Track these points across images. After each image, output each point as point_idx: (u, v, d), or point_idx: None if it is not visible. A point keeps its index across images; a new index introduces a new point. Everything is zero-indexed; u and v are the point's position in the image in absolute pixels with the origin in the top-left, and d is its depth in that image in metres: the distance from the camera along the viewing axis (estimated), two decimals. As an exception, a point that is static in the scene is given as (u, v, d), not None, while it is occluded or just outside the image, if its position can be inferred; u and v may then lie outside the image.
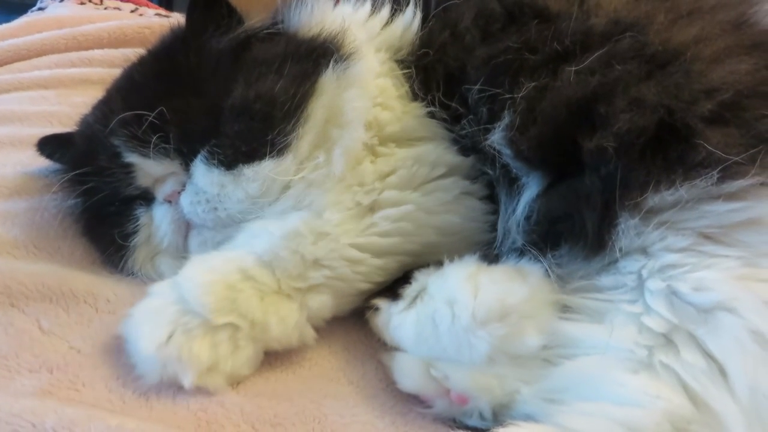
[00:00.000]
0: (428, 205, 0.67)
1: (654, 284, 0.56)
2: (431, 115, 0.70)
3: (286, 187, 0.67)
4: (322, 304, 0.64)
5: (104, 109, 0.71)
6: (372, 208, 0.66)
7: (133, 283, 0.70)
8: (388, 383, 0.63)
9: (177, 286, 0.60)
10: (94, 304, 0.65)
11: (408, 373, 0.61)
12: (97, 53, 1.12)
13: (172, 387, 0.57)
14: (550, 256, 0.62)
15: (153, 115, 0.65)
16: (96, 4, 1.44)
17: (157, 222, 0.71)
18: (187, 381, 0.56)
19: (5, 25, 1.21)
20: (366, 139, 0.68)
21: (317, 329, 0.65)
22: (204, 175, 0.67)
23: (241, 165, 0.65)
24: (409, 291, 0.63)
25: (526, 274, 0.61)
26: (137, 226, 0.71)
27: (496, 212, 0.69)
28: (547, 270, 0.61)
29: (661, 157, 0.57)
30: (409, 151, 0.69)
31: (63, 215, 0.75)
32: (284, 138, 0.65)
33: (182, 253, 0.71)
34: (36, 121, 0.93)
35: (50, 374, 0.56)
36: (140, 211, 0.72)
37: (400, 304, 0.63)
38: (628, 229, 0.58)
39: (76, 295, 0.65)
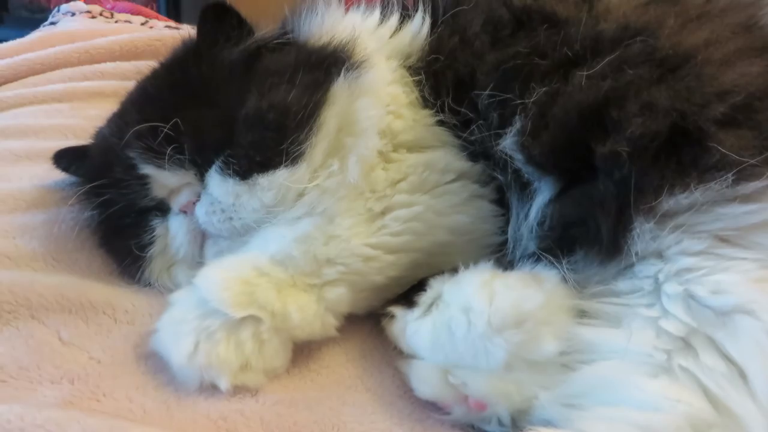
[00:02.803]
0: (438, 206, 0.68)
1: (671, 288, 0.56)
2: (441, 123, 0.71)
3: (300, 195, 0.67)
4: (340, 296, 0.64)
5: (119, 122, 0.72)
6: (383, 213, 0.67)
7: (150, 294, 0.70)
8: (406, 390, 0.63)
9: (194, 289, 0.61)
10: (113, 315, 0.66)
11: (425, 380, 0.61)
12: (109, 66, 1.13)
13: (192, 395, 0.58)
14: (564, 261, 0.62)
15: (168, 126, 0.65)
16: (107, 17, 1.46)
17: (173, 232, 0.71)
18: (223, 385, 0.58)
19: (18, 41, 1.23)
20: (380, 146, 0.69)
21: (333, 339, 0.66)
22: (219, 185, 0.67)
23: (255, 174, 0.66)
24: (424, 298, 0.63)
25: (542, 280, 0.62)
26: (153, 236, 0.72)
27: (506, 216, 0.70)
28: (562, 275, 0.61)
29: (675, 161, 0.57)
30: (420, 157, 0.70)
31: (80, 227, 0.76)
32: (298, 147, 0.66)
33: (198, 263, 0.71)
34: (51, 134, 0.94)
35: (71, 385, 0.57)
36: (156, 222, 0.72)
37: (416, 312, 0.63)
38: (643, 233, 0.58)
39: (95, 306, 0.66)
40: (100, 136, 0.76)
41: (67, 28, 1.32)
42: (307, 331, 0.63)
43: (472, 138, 0.69)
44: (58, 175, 0.82)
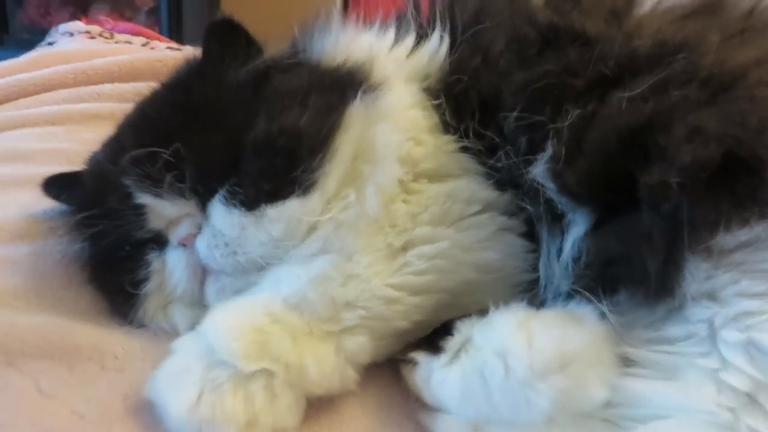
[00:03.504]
0: (464, 241, 0.62)
1: (729, 335, 0.50)
2: (464, 149, 0.65)
3: (313, 228, 0.61)
4: (360, 345, 0.58)
5: (115, 147, 0.66)
6: (404, 248, 0.61)
7: (143, 336, 0.63)
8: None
9: (200, 337, 0.55)
10: (100, 361, 0.59)
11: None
12: (107, 87, 1.08)
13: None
14: (606, 303, 0.56)
15: (168, 152, 0.60)
16: (106, 38, 1.41)
17: (171, 267, 0.65)
18: None
19: (11, 61, 1.17)
20: (400, 175, 0.63)
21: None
22: (223, 216, 0.61)
23: (263, 205, 0.60)
24: (451, 344, 0.57)
25: (581, 318, 0.55)
26: (149, 272, 0.65)
27: (536, 251, 0.63)
28: (604, 315, 0.55)
29: (730, 192, 0.51)
30: (442, 187, 0.64)
31: (68, 261, 0.70)
32: (311, 175, 0.60)
33: (198, 301, 0.65)
34: (43, 159, 0.88)
35: (51, 446, 0.50)
36: (152, 256, 0.66)
37: (443, 358, 0.56)
38: (697, 273, 0.52)
39: (80, 352, 0.59)
40: (94, 161, 0.70)
41: (65, 49, 1.27)
42: (325, 386, 0.56)
43: (499, 165, 0.63)
44: (48, 204, 0.76)
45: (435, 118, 0.67)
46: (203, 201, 0.63)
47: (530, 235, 0.64)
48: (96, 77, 1.10)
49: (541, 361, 0.51)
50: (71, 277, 0.69)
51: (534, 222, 0.63)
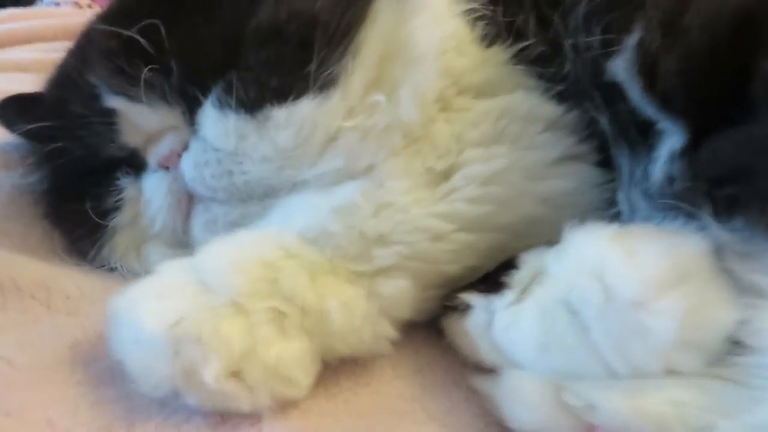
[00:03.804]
0: (524, 163, 0.48)
1: None
2: (518, 59, 0.53)
3: (332, 139, 0.48)
4: (400, 291, 0.44)
5: (82, 42, 0.53)
6: (448, 173, 0.48)
7: (106, 278, 0.49)
8: (489, 421, 0.41)
9: (193, 268, 0.41)
10: (46, 301, 0.44)
11: (526, 403, 0.39)
12: (91, 45, 0.95)
13: (155, 418, 0.36)
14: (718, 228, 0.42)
15: (141, 34, 0.46)
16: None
17: (148, 195, 0.51)
18: (210, 372, 0.36)
19: (-11, 14, 1.06)
20: (440, 87, 0.50)
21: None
22: (216, 123, 0.48)
23: (269, 105, 0.46)
24: (518, 277, 0.42)
25: (684, 235, 0.41)
26: (120, 199, 0.51)
27: (613, 181, 0.50)
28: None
29: None
30: (492, 103, 0.51)
31: (18, 194, 0.55)
32: (329, 70, 0.47)
33: (180, 239, 0.51)
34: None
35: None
36: (125, 181, 0.52)
37: (508, 296, 0.42)
38: None
39: (19, 287, 0.44)
40: (57, 68, 0.57)
41: (49, 8, 1.16)
42: (352, 343, 0.42)
43: (564, 71, 0.50)
44: (2, 137, 0.62)
45: (480, 29, 0.55)
46: (191, 108, 0.49)
47: (604, 164, 0.51)
48: (78, 33, 0.97)
49: (654, 274, 0.37)
50: (21, 210, 0.54)
51: (609, 145, 0.50)
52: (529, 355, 0.40)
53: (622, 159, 0.49)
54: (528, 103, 0.50)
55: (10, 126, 0.61)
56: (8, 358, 0.38)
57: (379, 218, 0.44)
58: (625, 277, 0.37)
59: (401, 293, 0.44)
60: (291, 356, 0.39)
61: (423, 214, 0.45)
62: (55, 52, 0.92)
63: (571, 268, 0.40)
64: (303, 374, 0.40)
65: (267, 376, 0.38)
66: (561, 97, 0.51)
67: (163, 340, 0.36)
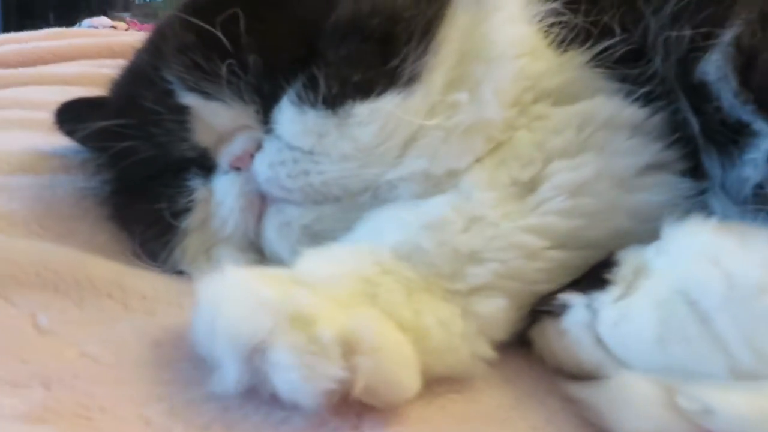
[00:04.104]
0: (612, 170, 0.47)
1: None
2: (597, 62, 0.52)
3: (413, 139, 0.47)
4: (496, 310, 0.42)
5: (155, 39, 0.53)
6: (534, 186, 0.46)
7: (178, 280, 0.47)
8: (591, 430, 0.39)
9: (290, 279, 0.39)
10: (123, 300, 0.42)
11: (635, 407, 0.37)
12: (133, 62, 0.96)
13: (252, 418, 0.34)
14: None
15: (222, 30, 0.46)
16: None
17: (220, 197, 0.50)
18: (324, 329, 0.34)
19: (31, 32, 1.06)
20: (518, 89, 0.49)
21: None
22: (294, 120, 0.47)
23: (350, 101, 0.46)
24: (622, 273, 0.41)
25: None
26: (191, 201, 0.50)
27: (704, 192, 0.49)
28: None
29: None
30: (573, 109, 0.49)
31: (81, 196, 0.54)
32: (412, 66, 0.46)
33: (251, 243, 0.50)
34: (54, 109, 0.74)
35: (47, 391, 0.33)
36: (196, 183, 0.51)
37: (614, 291, 0.40)
38: None
39: (95, 286, 0.42)
40: (127, 67, 0.56)
41: (89, 30, 1.17)
42: (449, 361, 0.40)
43: (651, 71, 0.49)
44: (60, 142, 0.61)
45: (555, 33, 0.54)
46: (266, 106, 0.48)
47: (692, 173, 0.49)
48: (122, 53, 0.98)
49: None
50: (86, 211, 0.53)
51: (698, 149, 0.49)
52: (644, 349, 0.38)
53: (711, 164, 0.48)
54: (609, 107, 0.49)
55: (69, 132, 0.61)
56: (93, 356, 0.36)
57: (471, 233, 0.43)
58: (746, 263, 0.36)
59: (498, 313, 0.42)
60: (395, 359, 0.36)
61: (514, 229, 0.44)
62: (101, 68, 0.94)
63: (681, 259, 0.39)
64: (410, 378, 0.36)
65: (374, 367, 0.35)
66: (646, 100, 0.50)
67: (263, 320, 0.34)
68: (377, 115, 0.46)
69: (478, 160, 0.47)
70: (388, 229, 0.44)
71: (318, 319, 0.35)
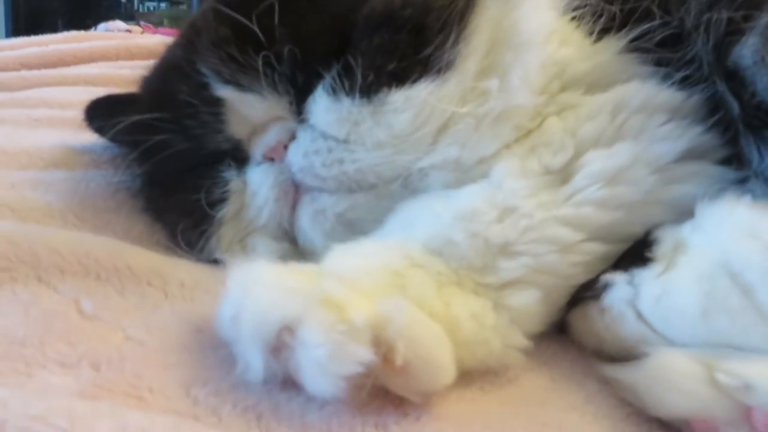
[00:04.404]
0: (649, 156, 0.46)
1: None
2: (633, 48, 0.52)
3: (445, 126, 0.47)
4: (529, 301, 0.42)
5: (188, 33, 0.54)
6: (568, 175, 0.46)
7: (214, 269, 0.48)
8: (630, 411, 0.39)
9: (318, 272, 0.39)
10: (163, 287, 0.43)
11: (675, 385, 0.37)
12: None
13: (295, 400, 0.34)
14: None
15: (258, 21, 0.46)
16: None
17: (254, 187, 0.50)
18: (357, 314, 0.33)
19: (50, 35, 1.07)
20: (546, 76, 0.50)
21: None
22: (329, 109, 0.47)
23: (385, 89, 0.46)
24: (662, 250, 0.42)
25: None
26: (226, 191, 0.51)
27: (745, 180, 0.48)
28: None
29: None
30: (605, 97, 0.48)
31: (114, 190, 0.55)
32: (445, 54, 0.47)
33: (285, 232, 0.50)
34: (82, 107, 0.75)
35: (96, 372, 0.33)
36: (230, 174, 0.51)
37: (656, 267, 0.41)
38: None
39: (135, 274, 0.43)
40: (159, 62, 0.57)
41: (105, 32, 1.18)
42: (480, 353, 0.40)
43: (689, 56, 0.49)
44: (89, 139, 0.62)
45: (586, 23, 0.54)
46: (299, 97, 0.49)
47: (730, 161, 0.48)
48: (140, 55, 0.99)
49: None
50: (120, 204, 0.54)
51: (737, 134, 0.48)
52: (687, 323, 0.39)
53: (749, 148, 0.47)
54: (645, 91, 0.48)
55: (98, 129, 0.61)
56: (139, 339, 0.37)
57: (504, 224, 0.43)
58: None
59: (530, 306, 0.42)
60: (429, 344, 0.35)
61: (549, 219, 0.43)
62: (120, 69, 0.95)
63: (719, 235, 0.40)
64: (445, 366, 0.35)
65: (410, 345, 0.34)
66: (683, 84, 0.48)
67: (292, 305, 0.34)
68: (412, 103, 0.46)
69: (508, 148, 0.47)
70: (418, 222, 0.44)
71: (348, 305, 0.34)
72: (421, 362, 0.34)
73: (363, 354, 0.32)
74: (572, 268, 0.44)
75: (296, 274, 0.38)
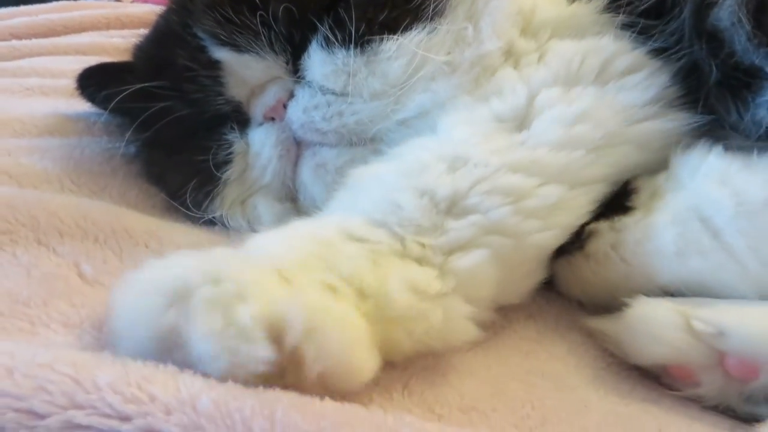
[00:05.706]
0: (615, 102, 0.45)
1: None
2: (613, 10, 0.52)
3: (432, 78, 0.47)
4: (476, 262, 0.38)
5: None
6: (524, 122, 0.44)
7: (211, 232, 0.49)
8: (611, 361, 0.41)
9: (239, 256, 0.36)
10: (159, 250, 0.44)
11: (653, 333, 0.39)
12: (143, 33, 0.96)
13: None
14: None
15: None
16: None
17: (257, 147, 0.51)
18: (246, 312, 0.29)
19: (40, 5, 1.06)
20: (515, 21, 0.50)
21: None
22: (324, 62, 0.48)
23: (378, 38, 0.47)
24: (642, 198, 0.44)
25: None
26: (230, 153, 0.51)
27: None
28: None
29: None
30: (575, 44, 0.48)
31: (110, 155, 0.56)
32: (434, 3, 0.48)
33: (287, 193, 0.52)
34: (74, 75, 0.75)
35: (98, 332, 0.35)
36: (233, 136, 0.52)
37: (636, 214, 0.43)
38: None
39: (132, 236, 0.44)
40: (153, 29, 0.57)
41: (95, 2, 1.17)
42: (418, 330, 0.35)
43: (669, 29, 0.49)
44: (82, 108, 0.63)
45: None
46: (295, 55, 0.49)
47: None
48: (131, 24, 0.99)
49: None
50: (115, 169, 0.55)
51: (707, 91, 0.49)
52: (666, 263, 0.41)
53: (725, 105, 0.47)
54: (616, 46, 0.48)
55: (91, 97, 0.62)
56: (138, 299, 0.38)
57: (455, 176, 0.40)
58: (752, 181, 0.39)
59: (478, 268, 0.38)
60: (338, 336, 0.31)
61: (503, 166, 0.40)
62: (111, 38, 0.94)
63: (691, 182, 0.42)
64: (360, 355, 0.32)
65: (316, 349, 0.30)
66: (660, 53, 0.48)
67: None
68: (405, 50, 0.47)
69: (455, 99, 0.47)
70: (363, 195, 0.41)
71: (234, 300, 0.30)
72: (329, 369, 0.31)
73: (262, 353, 0.29)
74: (526, 223, 0.40)
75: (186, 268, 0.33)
